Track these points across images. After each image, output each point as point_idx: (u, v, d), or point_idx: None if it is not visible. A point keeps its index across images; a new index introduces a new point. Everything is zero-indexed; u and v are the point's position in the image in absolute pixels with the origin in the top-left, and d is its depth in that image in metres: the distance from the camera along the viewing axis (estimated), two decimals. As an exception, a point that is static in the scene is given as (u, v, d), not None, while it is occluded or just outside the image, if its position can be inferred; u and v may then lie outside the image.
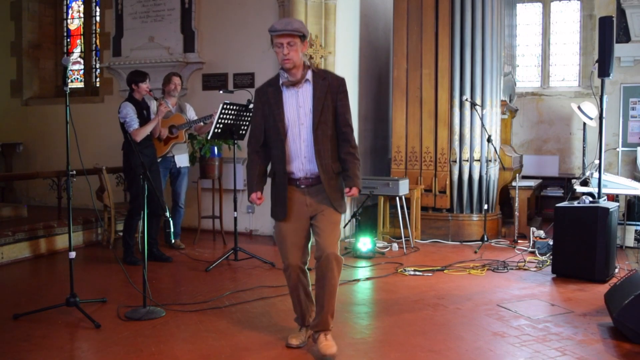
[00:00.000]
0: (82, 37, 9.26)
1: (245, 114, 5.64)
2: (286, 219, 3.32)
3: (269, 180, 3.45)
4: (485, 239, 6.42)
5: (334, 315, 3.42)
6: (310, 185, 3.30)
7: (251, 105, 5.58)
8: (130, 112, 5.44)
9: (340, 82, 3.33)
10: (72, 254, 4.07)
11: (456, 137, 6.77)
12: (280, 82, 3.28)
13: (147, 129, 5.49)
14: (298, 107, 3.26)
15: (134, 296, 4.39)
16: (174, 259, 5.77)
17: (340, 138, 3.33)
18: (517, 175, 7.02)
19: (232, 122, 5.58)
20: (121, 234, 6.04)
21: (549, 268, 5.28)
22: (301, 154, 3.27)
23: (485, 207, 6.60)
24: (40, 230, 6.10)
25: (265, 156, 3.42)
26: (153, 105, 5.88)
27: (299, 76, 3.24)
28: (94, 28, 9.12)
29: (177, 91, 6.17)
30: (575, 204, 5.20)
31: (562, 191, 8.51)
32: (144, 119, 5.55)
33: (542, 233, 6.20)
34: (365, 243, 5.88)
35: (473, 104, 6.64)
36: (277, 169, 3.33)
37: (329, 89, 3.25)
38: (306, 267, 3.42)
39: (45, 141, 8.54)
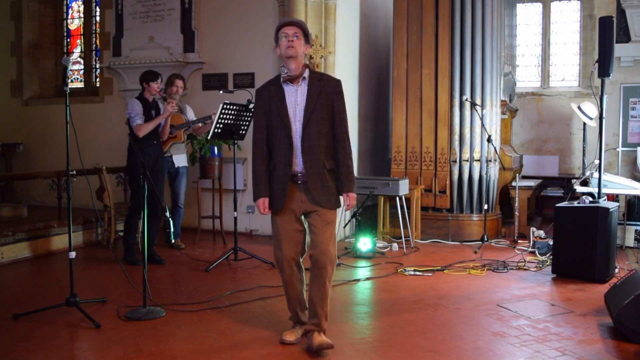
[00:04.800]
0: (82, 37, 9.25)
1: (245, 114, 5.64)
2: (283, 212, 3.40)
3: None
4: (485, 239, 6.42)
5: (328, 318, 3.45)
6: (305, 181, 3.37)
7: (251, 105, 5.58)
8: (136, 108, 5.45)
9: (336, 83, 3.46)
10: (72, 254, 4.07)
11: (456, 137, 6.77)
12: (281, 79, 3.40)
13: (150, 126, 5.45)
14: (296, 104, 3.38)
15: (134, 296, 4.39)
16: (174, 259, 5.77)
17: (336, 138, 3.41)
18: (517, 175, 7.02)
19: (232, 122, 5.58)
20: (121, 234, 6.05)
21: (549, 268, 5.28)
22: (297, 149, 3.37)
23: (485, 207, 6.60)
24: (40, 230, 6.10)
25: (270, 155, 3.47)
26: (162, 106, 5.87)
27: (298, 72, 3.36)
28: (94, 28, 9.11)
29: (178, 94, 6.19)
30: (575, 204, 5.20)
31: (562, 191, 8.51)
32: (151, 118, 5.51)
33: (542, 233, 6.20)
34: (365, 243, 5.88)
35: (473, 104, 6.64)
36: (280, 161, 3.38)
37: (323, 89, 3.38)
38: (301, 262, 3.49)
39: (45, 141, 8.53)
